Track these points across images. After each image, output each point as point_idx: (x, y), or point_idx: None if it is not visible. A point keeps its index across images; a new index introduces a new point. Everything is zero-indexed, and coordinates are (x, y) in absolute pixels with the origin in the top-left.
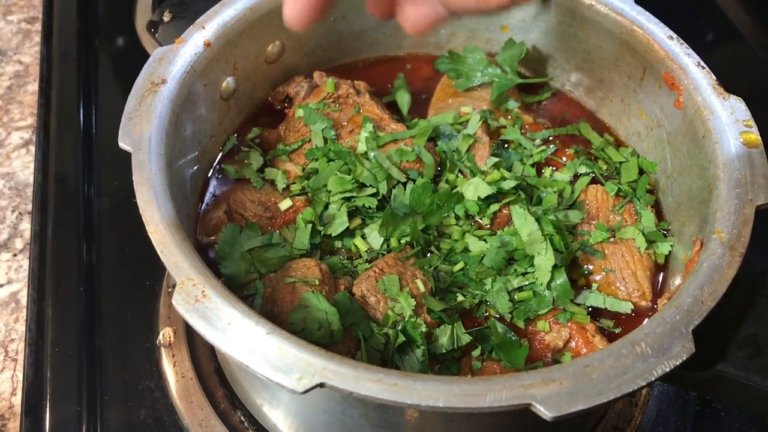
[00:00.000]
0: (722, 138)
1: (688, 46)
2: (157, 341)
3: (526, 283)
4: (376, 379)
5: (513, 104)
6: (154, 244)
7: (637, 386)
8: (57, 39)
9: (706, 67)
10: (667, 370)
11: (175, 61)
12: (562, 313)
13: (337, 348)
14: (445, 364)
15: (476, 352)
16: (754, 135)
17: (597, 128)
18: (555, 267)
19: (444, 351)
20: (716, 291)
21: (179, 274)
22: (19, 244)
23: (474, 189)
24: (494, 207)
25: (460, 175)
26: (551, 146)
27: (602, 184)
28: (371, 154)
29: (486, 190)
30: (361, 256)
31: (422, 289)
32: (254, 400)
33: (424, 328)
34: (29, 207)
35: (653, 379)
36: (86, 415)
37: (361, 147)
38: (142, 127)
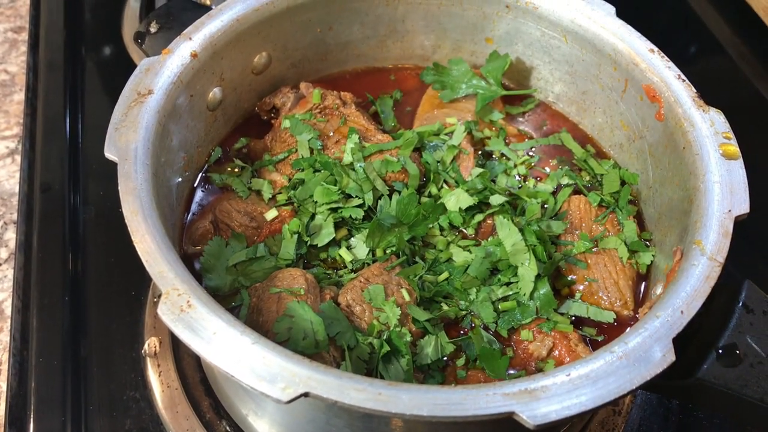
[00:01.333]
0: (702, 150)
1: (668, 59)
2: (143, 351)
3: (510, 293)
4: (360, 388)
5: (497, 115)
6: (139, 253)
7: (619, 394)
8: (44, 48)
9: (687, 80)
10: (649, 378)
11: (161, 71)
12: (546, 322)
13: (322, 357)
14: (429, 373)
15: (461, 361)
16: (733, 147)
17: (579, 139)
18: (538, 277)
19: (429, 361)
20: (696, 301)
21: (164, 283)
22: (3, 253)
23: (456, 200)
24: (478, 217)
25: (445, 185)
26: (535, 156)
27: (585, 195)
28: (357, 165)
29: (467, 201)
30: (346, 267)
31: (407, 298)
32: (239, 410)
33: (409, 338)
34: (14, 216)
35: (635, 387)
36: (71, 425)
37: (347, 158)
38: (129, 137)
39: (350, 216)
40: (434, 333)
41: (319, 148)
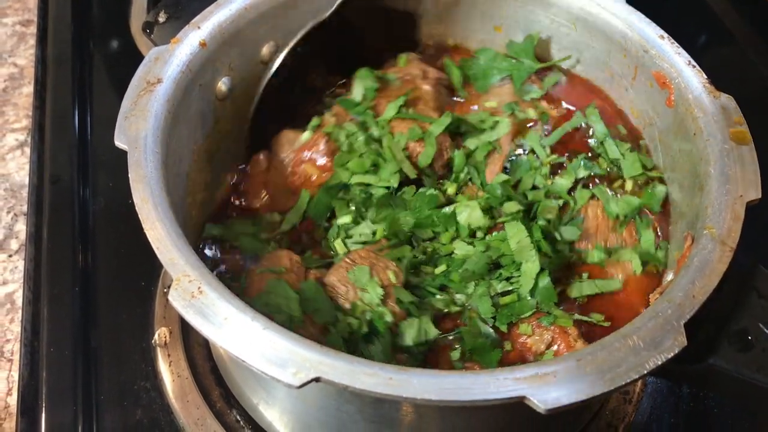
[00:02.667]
0: (713, 135)
1: (678, 45)
2: (153, 341)
3: (510, 288)
4: (371, 373)
5: (537, 92)
6: (150, 240)
7: (630, 379)
8: (52, 42)
9: (697, 66)
10: (660, 363)
11: (170, 60)
12: (546, 316)
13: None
14: (410, 356)
15: (456, 354)
16: (744, 132)
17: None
18: (541, 271)
19: (410, 343)
20: (707, 285)
21: (175, 270)
22: (14, 245)
23: (467, 217)
24: (489, 223)
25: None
26: (562, 158)
27: (604, 188)
28: (374, 130)
29: (479, 221)
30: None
31: (393, 279)
32: (250, 398)
33: (389, 318)
34: (24, 208)
35: (646, 372)
36: (82, 415)
37: (388, 112)
38: (138, 125)
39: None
40: (417, 315)
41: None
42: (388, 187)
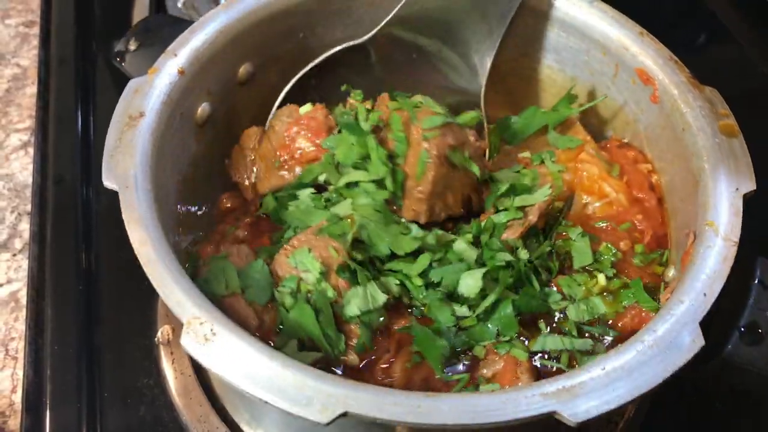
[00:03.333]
0: (702, 130)
1: (658, 41)
2: (156, 339)
3: (469, 314)
4: (398, 402)
5: (575, 141)
6: (153, 284)
7: (655, 383)
8: (55, 42)
9: (679, 61)
10: (681, 364)
11: (150, 92)
12: (503, 344)
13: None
14: (363, 326)
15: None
16: (732, 125)
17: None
18: (503, 300)
19: (357, 312)
20: (717, 282)
21: (184, 312)
22: (18, 244)
23: (465, 286)
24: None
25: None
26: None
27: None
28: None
29: (474, 289)
30: None
31: (334, 255)
32: (236, 418)
33: (330, 293)
34: (28, 208)
35: (669, 374)
36: (86, 412)
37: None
38: (126, 163)
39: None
40: (363, 284)
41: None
42: (377, 183)
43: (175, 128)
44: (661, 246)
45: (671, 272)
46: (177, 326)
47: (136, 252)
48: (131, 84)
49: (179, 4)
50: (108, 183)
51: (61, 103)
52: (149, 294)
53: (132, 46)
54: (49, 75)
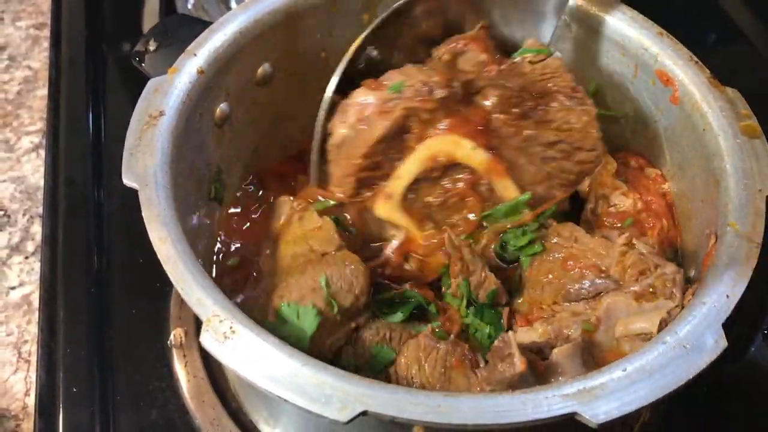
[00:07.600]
0: (723, 130)
1: (677, 41)
2: (168, 342)
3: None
4: (417, 402)
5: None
6: (173, 282)
7: (677, 385)
8: (65, 45)
9: (699, 62)
10: (704, 366)
11: (170, 91)
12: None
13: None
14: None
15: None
16: (755, 125)
17: None
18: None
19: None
20: (740, 284)
21: (204, 311)
22: (30, 246)
23: None
24: None
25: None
26: None
27: None
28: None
29: None
30: None
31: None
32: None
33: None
34: (40, 210)
35: (691, 376)
36: (99, 415)
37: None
38: (146, 162)
39: None
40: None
41: None
42: None
43: (194, 128)
44: (671, 247)
45: (692, 273)
46: (189, 329)
47: (155, 249)
48: (151, 83)
49: (189, 6)
50: (128, 181)
51: (72, 105)
52: (161, 296)
53: (151, 47)
54: (59, 77)
